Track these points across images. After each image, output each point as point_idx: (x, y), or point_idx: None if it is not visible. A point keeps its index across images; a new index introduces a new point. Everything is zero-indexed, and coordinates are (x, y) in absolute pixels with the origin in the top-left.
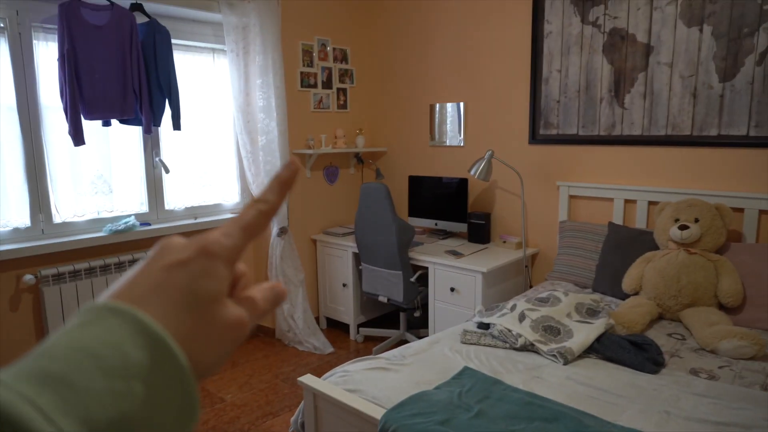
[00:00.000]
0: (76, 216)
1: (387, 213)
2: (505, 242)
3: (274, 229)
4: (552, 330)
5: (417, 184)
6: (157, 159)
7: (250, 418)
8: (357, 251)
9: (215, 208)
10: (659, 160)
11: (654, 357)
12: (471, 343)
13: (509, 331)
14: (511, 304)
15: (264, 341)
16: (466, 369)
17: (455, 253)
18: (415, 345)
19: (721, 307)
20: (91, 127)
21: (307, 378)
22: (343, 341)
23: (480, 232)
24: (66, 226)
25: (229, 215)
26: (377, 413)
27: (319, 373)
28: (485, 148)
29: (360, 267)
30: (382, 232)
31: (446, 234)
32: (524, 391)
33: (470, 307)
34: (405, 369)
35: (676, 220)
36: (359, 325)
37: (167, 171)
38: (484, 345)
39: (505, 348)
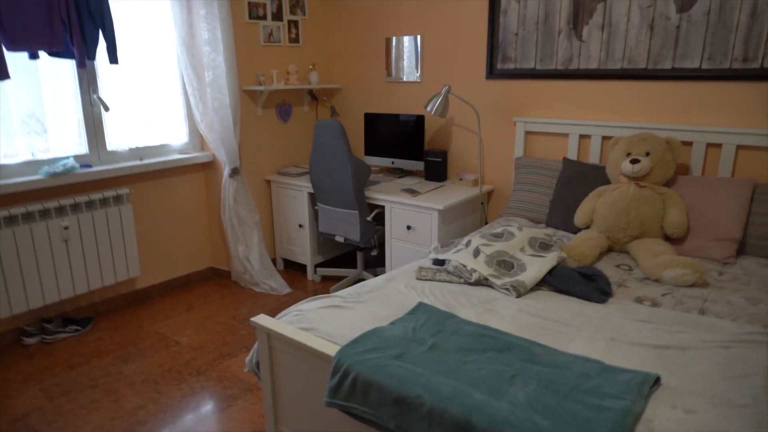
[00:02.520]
0: (7, 157)
1: (342, 152)
2: (461, 180)
3: (226, 169)
4: (506, 264)
5: (373, 121)
6: (94, 96)
7: (206, 360)
8: (312, 191)
9: (162, 149)
10: (615, 95)
11: (602, 287)
12: (426, 280)
13: (464, 266)
14: (466, 240)
15: (220, 284)
16: (420, 305)
17: (412, 192)
18: (371, 283)
19: (667, 238)
20: (15, 59)
21: (261, 318)
22: (301, 282)
23: (436, 170)
24: (3, 167)
25: (178, 156)
26: (331, 350)
27: (275, 314)
28: (442, 83)
29: (316, 207)
30: (337, 172)
31: (403, 173)
32: (477, 324)
33: (426, 244)
34: (360, 306)
35: (628, 154)
36: (316, 266)
37: (107, 109)
38: (439, 281)
39: (460, 283)
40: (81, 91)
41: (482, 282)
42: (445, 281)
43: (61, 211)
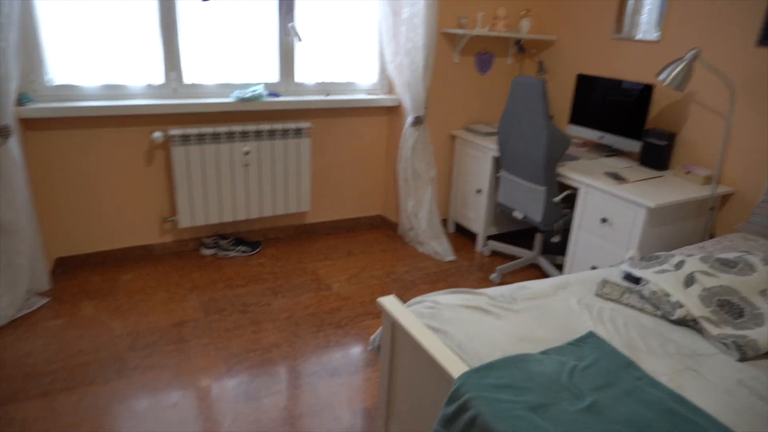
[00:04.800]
0: (205, 78)
1: (539, 116)
2: (688, 173)
3: (409, 117)
4: (732, 308)
5: (587, 85)
6: (289, 25)
7: (350, 313)
8: (498, 155)
9: (349, 87)
10: None
11: None
12: (609, 299)
13: (666, 295)
14: (678, 259)
15: (385, 234)
16: (591, 336)
17: (617, 177)
18: (535, 287)
19: None
20: None
21: (388, 301)
22: (468, 251)
23: (657, 156)
24: (195, 88)
25: (364, 96)
26: (455, 369)
27: (432, 283)
28: (688, 47)
29: (498, 174)
30: (529, 138)
31: (612, 151)
32: (668, 389)
33: (622, 248)
34: (511, 317)
35: None
36: (488, 237)
37: (299, 39)
38: (626, 305)
39: (655, 316)
40: (280, 20)
41: (688, 323)
42: (634, 308)
43: (244, 135)
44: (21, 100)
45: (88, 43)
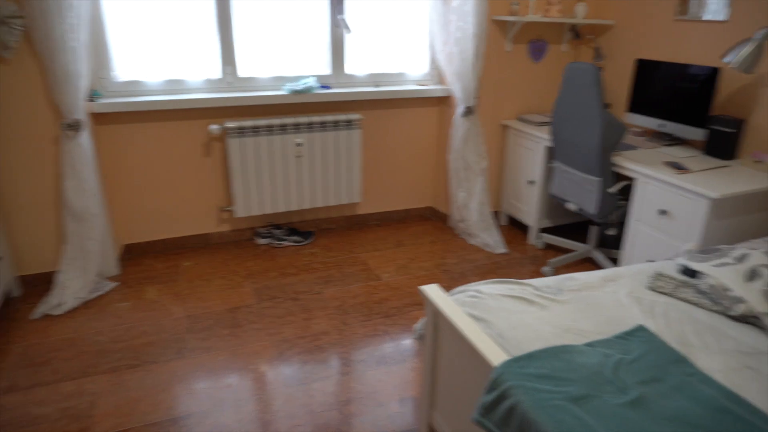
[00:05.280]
0: (259, 72)
1: (593, 103)
2: (758, 162)
3: (459, 107)
4: None
5: (647, 70)
6: (339, 17)
7: (398, 304)
8: (551, 145)
9: (399, 78)
10: None
11: None
12: (662, 292)
13: (726, 289)
14: (740, 252)
15: (435, 226)
16: (640, 329)
17: (678, 167)
18: (583, 278)
19: None
20: None
21: (431, 290)
22: (519, 243)
23: (723, 144)
24: (250, 81)
25: (414, 86)
26: (495, 358)
27: (482, 275)
28: (759, 25)
29: (551, 165)
30: (583, 127)
31: (673, 140)
32: (722, 386)
33: (682, 240)
34: (555, 308)
35: None
36: (541, 230)
37: (348, 31)
38: (681, 299)
39: (712, 312)
40: (330, 12)
41: (749, 320)
42: (690, 302)
43: (297, 127)
44: (91, 96)
45: (150, 41)
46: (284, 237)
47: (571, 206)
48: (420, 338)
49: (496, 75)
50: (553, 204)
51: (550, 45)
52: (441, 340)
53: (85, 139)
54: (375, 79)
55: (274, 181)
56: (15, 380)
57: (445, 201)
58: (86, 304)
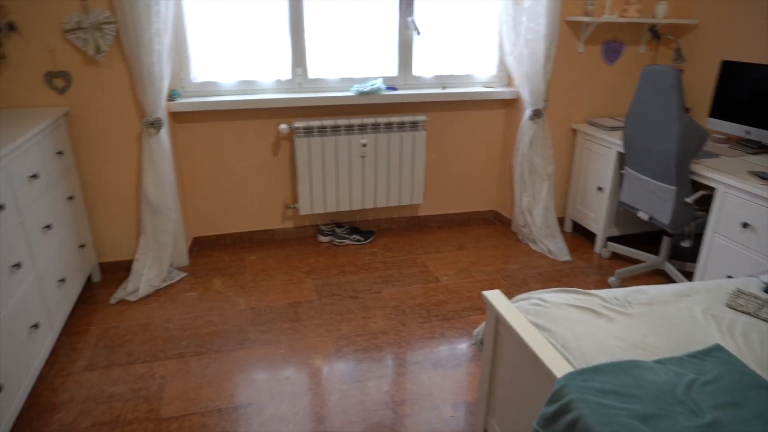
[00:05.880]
0: (328, 73)
1: (672, 108)
2: None
3: (527, 110)
4: None
5: (734, 72)
6: (409, 19)
7: (457, 307)
8: (623, 151)
9: (466, 80)
10: None
11: None
12: (742, 311)
13: None
14: None
15: (498, 230)
16: (717, 348)
17: (765, 177)
18: (653, 291)
19: None
20: None
21: (493, 295)
22: (585, 252)
23: None
24: (319, 82)
25: (481, 89)
26: (558, 369)
27: (545, 282)
28: None
29: (622, 171)
30: (659, 132)
31: (760, 148)
32: None
33: (766, 256)
34: (624, 321)
35: None
36: (609, 239)
37: (418, 33)
38: (764, 320)
39: None
40: (399, 14)
41: None
42: None
43: (363, 128)
44: (171, 96)
45: (225, 43)
46: (345, 235)
47: (643, 215)
48: (479, 344)
49: (567, 77)
50: (623, 212)
51: (626, 46)
52: (501, 346)
53: (164, 136)
54: (442, 80)
55: (338, 181)
56: (94, 360)
57: (508, 205)
58: (158, 293)
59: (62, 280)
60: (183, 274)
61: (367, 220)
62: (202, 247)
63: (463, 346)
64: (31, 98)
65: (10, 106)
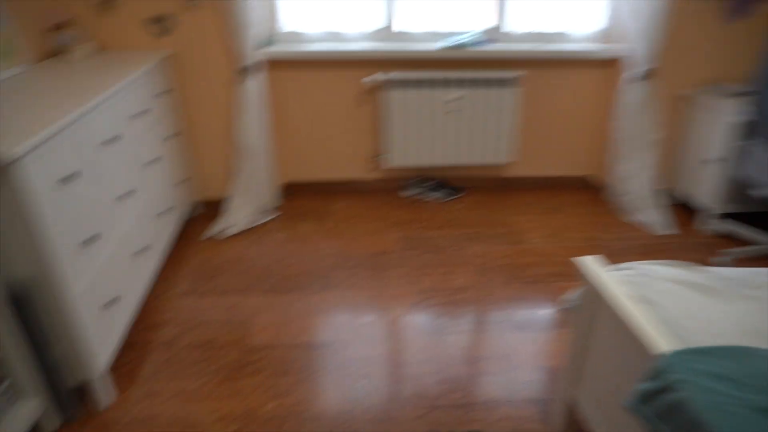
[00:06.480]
0: (419, 25)
1: None
2: None
3: (633, 71)
4: None
5: None
6: None
7: (542, 271)
8: (739, 121)
9: (566, 36)
10: None
11: None
12: None
13: None
14: None
15: (592, 198)
16: None
17: None
18: None
19: None
20: None
21: (590, 262)
22: (687, 227)
23: None
24: (409, 34)
25: (582, 46)
26: (663, 345)
27: (640, 255)
28: None
29: (745, 142)
30: None
31: None
32: None
33: None
34: (741, 303)
35: None
36: (719, 215)
37: None
38: None
39: None
40: None
41: None
42: None
43: (454, 82)
44: (263, 44)
45: None
46: (431, 191)
47: (765, 191)
48: (569, 311)
49: (681, 36)
50: (734, 188)
51: (759, 2)
52: (595, 317)
53: (255, 82)
54: (540, 36)
55: (425, 135)
56: (193, 286)
57: (605, 172)
58: (250, 231)
59: (166, 212)
60: (273, 216)
61: (454, 176)
62: (292, 192)
63: (546, 312)
64: (137, 41)
65: (119, 48)
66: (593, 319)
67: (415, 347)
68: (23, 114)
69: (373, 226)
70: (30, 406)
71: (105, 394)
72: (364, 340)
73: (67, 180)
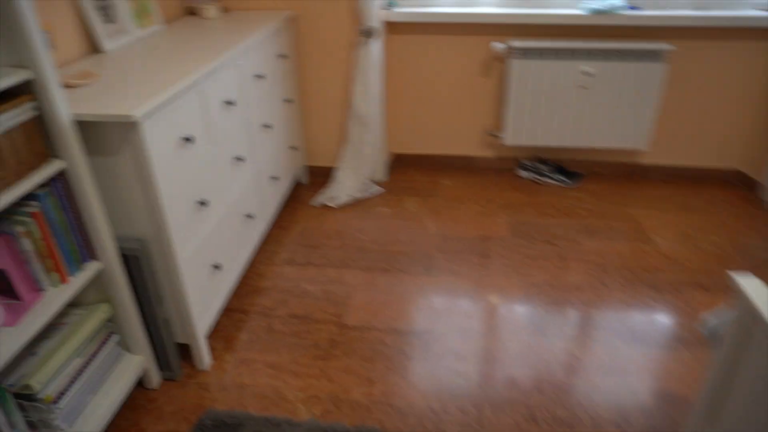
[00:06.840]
0: None
1: None
2: None
3: None
4: None
5: None
6: None
7: (671, 278)
8: None
9: (731, 2)
10: None
11: None
12: None
13: None
14: None
15: (740, 195)
16: None
17: None
18: None
19: None
20: None
21: (748, 281)
22: None
23: None
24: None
25: (754, 13)
26: None
27: None
28: None
29: None
30: None
31: None
32: None
33: None
34: None
35: None
36: None
37: None
38: None
39: None
40: None
41: None
42: None
43: (589, 53)
44: (387, 5)
45: None
46: (549, 174)
47: None
48: (712, 335)
49: None
50: None
51: None
52: (749, 347)
53: (376, 46)
54: (698, 2)
55: (550, 112)
56: (294, 255)
57: (760, 166)
58: (355, 203)
59: (275, 178)
60: (379, 189)
61: (577, 160)
62: (400, 165)
63: (674, 325)
64: (260, 2)
65: (243, 9)
66: (745, 350)
67: (517, 348)
68: (152, 73)
69: (483, 207)
70: (135, 362)
71: (203, 357)
72: (462, 333)
73: (186, 141)
